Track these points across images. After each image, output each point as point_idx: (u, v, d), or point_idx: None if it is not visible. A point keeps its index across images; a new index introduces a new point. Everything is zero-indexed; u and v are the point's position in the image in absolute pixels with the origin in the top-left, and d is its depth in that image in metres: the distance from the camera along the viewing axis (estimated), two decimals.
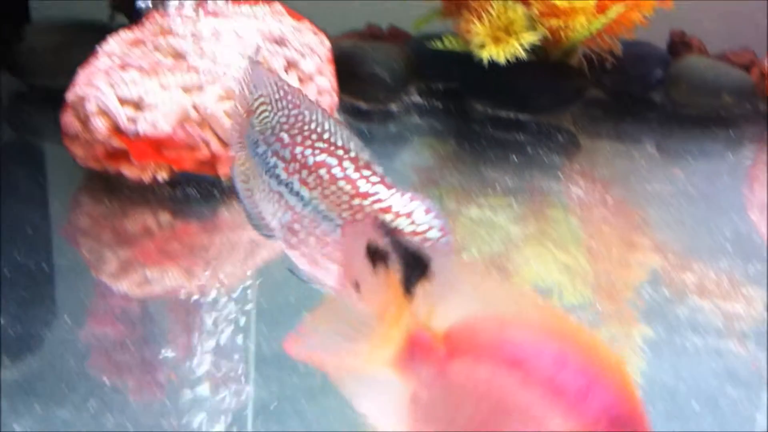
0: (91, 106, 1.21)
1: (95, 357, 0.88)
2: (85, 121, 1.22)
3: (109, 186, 1.22)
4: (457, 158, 1.44)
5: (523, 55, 1.39)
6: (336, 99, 1.42)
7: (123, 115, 1.19)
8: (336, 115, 1.44)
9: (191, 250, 1.14)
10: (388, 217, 0.59)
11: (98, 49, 1.30)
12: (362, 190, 0.59)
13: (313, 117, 0.62)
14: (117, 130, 1.19)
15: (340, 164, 0.60)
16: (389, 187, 0.59)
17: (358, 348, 0.50)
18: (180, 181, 1.22)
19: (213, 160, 1.22)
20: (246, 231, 1.17)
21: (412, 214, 0.59)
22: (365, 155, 0.60)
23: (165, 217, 1.19)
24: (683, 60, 1.57)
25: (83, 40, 1.39)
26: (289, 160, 0.62)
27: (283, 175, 0.63)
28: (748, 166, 1.40)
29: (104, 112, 1.20)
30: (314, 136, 0.62)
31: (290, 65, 1.34)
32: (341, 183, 0.60)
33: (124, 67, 1.26)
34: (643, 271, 1.04)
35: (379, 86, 1.52)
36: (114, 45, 1.31)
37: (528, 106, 1.50)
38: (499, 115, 1.50)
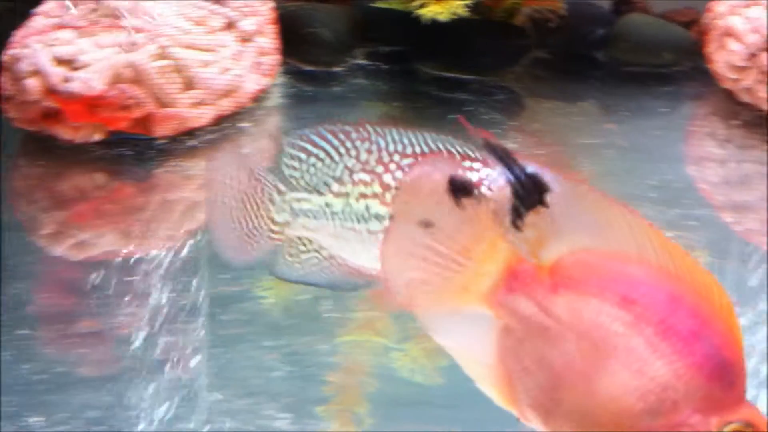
0: (24, 67, 1.20)
1: (26, 312, 0.89)
2: (19, 81, 1.22)
3: (45, 147, 1.22)
4: (400, 119, 1.45)
5: (463, 12, 1.39)
6: (278, 59, 1.42)
7: (56, 74, 1.19)
8: (278, 76, 1.45)
9: (128, 210, 1.14)
10: (508, 192, 0.56)
11: (35, 10, 1.30)
12: (474, 179, 0.58)
13: (388, 139, 0.61)
14: (50, 90, 1.19)
15: (490, 173, 0.58)
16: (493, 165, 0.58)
17: (446, 285, 0.49)
18: (115, 141, 1.22)
19: (147, 120, 1.22)
20: (183, 191, 1.17)
21: None
22: (457, 147, 0.60)
23: (101, 178, 1.19)
24: (625, 18, 1.58)
25: (29, 5, 1.38)
26: (382, 193, 0.61)
27: (382, 210, 0.61)
28: (684, 121, 1.42)
29: (38, 72, 1.20)
30: (397, 157, 0.60)
31: (230, 25, 1.34)
32: None
33: (59, 27, 1.25)
34: None
35: (322, 47, 1.52)
36: (51, 6, 1.31)
37: (471, 66, 1.51)
38: (443, 76, 1.51)
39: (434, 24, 1.39)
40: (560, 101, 1.46)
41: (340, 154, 0.61)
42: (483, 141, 0.52)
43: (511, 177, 0.48)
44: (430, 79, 1.50)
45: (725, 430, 0.46)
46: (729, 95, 1.39)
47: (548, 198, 0.48)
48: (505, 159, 0.49)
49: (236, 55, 1.31)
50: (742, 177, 1.26)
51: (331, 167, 0.62)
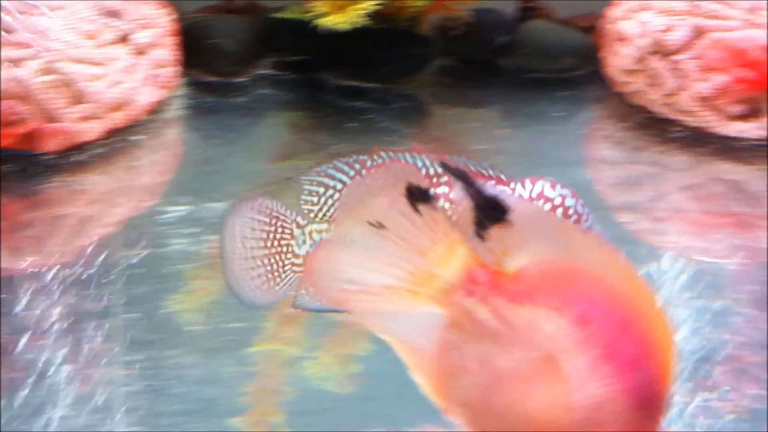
0: None
1: None
2: None
3: None
4: (300, 128, 1.45)
5: (364, 21, 1.40)
6: (177, 71, 1.41)
7: None
8: (179, 87, 1.44)
9: (15, 227, 1.12)
10: None
11: None
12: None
13: (402, 162, 0.61)
14: None
15: (452, 188, 0.60)
16: (508, 182, 0.61)
17: (392, 287, 0.49)
18: (1, 157, 1.20)
19: (34, 135, 1.20)
20: (72, 206, 1.16)
21: (543, 193, 0.61)
22: (470, 167, 0.61)
23: None
24: (528, 25, 1.60)
25: None
26: None
27: None
28: (579, 125, 1.44)
29: None
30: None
31: (124, 38, 1.33)
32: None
33: None
34: None
35: (225, 58, 1.51)
36: None
37: (375, 75, 1.52)
38: (348, 85, 1.51)
39: (340, 33, 1.40)
40: (461, 108, 1.47)
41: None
42: (440, 162, 0.53)
43: (472, 196, 0.49)
44: (335, 88, 1.51)
45: None
46: (623, 98, 1.42)
47: (510, 217, 0.48)
48: (465, 179, 0.49)
49: (129, 68, 1.30)
50: (634, 178, 1.28)
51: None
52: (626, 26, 1.39)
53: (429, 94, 1.52)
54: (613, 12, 1.44)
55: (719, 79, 1.28)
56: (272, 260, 0.65)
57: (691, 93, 1.31)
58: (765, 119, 1.29)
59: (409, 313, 0.50)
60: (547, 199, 0.60)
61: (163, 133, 1.34)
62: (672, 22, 1.33)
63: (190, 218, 1.08)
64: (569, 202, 0.61)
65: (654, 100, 1.35)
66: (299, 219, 0.64)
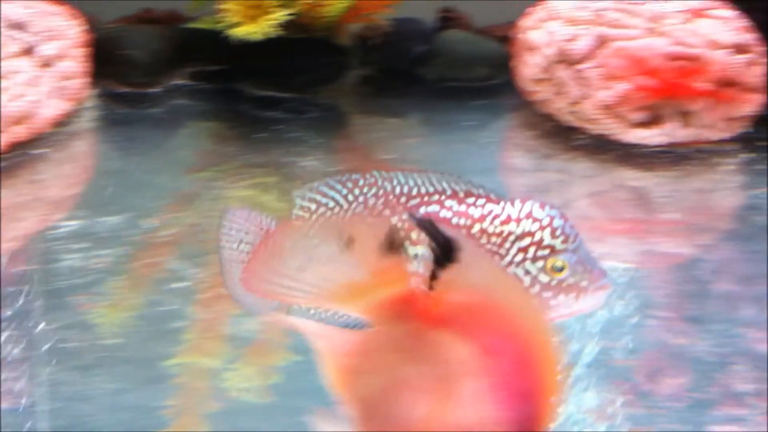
0: None
1: None
2: None
3: None
4: (212, 139, 1.45)
5: (277, 32, 1.40)
6: (86, 83, 1.40)
7: None
8: (90, 99, 1.43)
9: None
10: (511, 227, 0.62)
11: None
12: (477, 216, 0.62)
13: (394, 182, 0.63)
14: None
15: (443, 206, 0.62)
16: (498, 201, 0.62)
17: (332, 290, 0.51)
18: None
19: None
20: None
21: (531, 213, 0.62)
22: (461, 185, 0.62)
23: None
24: (444, 35, 1.61)
25: None
26: None
27: None
28: (489, 133, 1.45)
29: None
30: (403, 199, 0.63)
31: (28, 50, 1.32)
32: (455, 220, 0.62)
33: None
34: None
35: (137, 69, 1.50)
36: None
37: (291, 84, 1.52)
38: (264, 95, 1.51)
39: (257, 42, 1.39)
40: (376, 117, 1.48)
41: (349, 201, 0.63)
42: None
43: (435, 244, 0.50)
44: (251, 98, 1.50)
45: None
46: (534, 107, 1.43)
47: (460, 255, 0.50)
48: (430, 228, 0.51)
49: (32, 81, 1.28)
50: (543, 185, 1.30)
51: (340, 215, 0.64)
52: (535, 36, 1.40)
53: (346, 103, 1.53)
54: (525, 22, 1.45)
55: (621, 87, 1.30)
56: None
57: (594, 101, 1.32)
58: (665, 126, 1.32)
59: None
60: (536, 220, 0.62)
61: (70, 145, 1.33)
62: (576, 31, 1.35)
63: (82, 233, 1.07)
64: (557, 222, 0.62)
65: (560, 108, 1.37)
66: None
